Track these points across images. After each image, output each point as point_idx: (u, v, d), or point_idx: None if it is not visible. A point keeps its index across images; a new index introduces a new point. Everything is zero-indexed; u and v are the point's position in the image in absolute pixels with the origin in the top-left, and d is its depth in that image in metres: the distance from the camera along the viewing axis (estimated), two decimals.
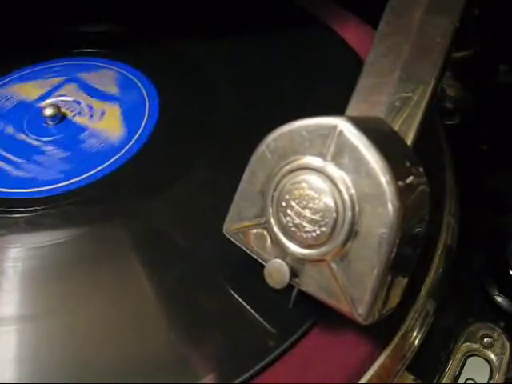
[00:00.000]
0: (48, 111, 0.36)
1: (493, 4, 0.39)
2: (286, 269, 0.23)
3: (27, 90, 0.40)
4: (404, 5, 0.31)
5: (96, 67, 0.40)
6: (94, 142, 0.35)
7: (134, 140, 0.35)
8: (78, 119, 0.37)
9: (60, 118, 0.37)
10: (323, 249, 0.23)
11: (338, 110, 0.28)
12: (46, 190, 0.33)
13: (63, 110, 0.37)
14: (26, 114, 0.38)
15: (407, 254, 0.23)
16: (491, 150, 0.41)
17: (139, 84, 0.38)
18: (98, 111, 0.37)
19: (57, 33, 0.44)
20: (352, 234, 0.22)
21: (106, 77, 0.39)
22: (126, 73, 0.39)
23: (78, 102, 0.38)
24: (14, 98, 0.39)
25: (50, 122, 0.37)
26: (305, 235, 0.23)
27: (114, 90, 0.38)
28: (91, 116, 0.37)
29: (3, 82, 0.41)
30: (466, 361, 0.30)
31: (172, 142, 0.35)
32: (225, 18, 0.43)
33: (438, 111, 0.37)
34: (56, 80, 0.40)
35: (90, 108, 0.37)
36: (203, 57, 0.40)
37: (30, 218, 0.31)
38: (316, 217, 0.22)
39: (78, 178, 0.33)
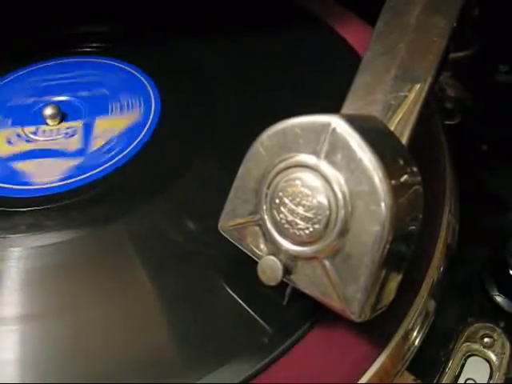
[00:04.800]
0: (48, 110, 0.35)
1: (493, 4, 0.39)
2: (278, 266, 0.23)
3: None
4: (402, 4, 0.31)
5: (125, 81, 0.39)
6: None
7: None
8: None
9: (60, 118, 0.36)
10: (316, 246, 0.22)
11: (339, 109, 0.28)
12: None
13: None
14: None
15: (401, 252, 0.23)
16: (491, 149, 0.41)
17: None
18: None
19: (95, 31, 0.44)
20: (345, 231, 0.22)
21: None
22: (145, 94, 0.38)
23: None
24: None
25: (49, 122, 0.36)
26: (298, 232, 0.23)
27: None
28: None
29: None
30: (466, 361, 0.30)
31: (172, 143, 0.35)
32: (224, 17, 0.43)
33: (438, 111, 0.37)
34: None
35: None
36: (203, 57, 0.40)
37: (30, 218, 0.31)
38: (309, 214, 0.22)
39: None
